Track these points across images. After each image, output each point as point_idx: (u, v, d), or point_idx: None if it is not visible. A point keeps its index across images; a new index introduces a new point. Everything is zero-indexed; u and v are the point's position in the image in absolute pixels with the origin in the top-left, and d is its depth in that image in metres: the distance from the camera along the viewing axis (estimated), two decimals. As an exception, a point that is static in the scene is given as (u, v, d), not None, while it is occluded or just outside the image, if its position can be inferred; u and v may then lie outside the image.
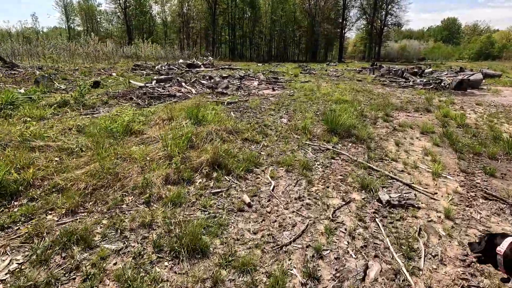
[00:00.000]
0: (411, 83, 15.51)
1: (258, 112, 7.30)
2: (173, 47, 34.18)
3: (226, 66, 20.51)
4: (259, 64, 35.07)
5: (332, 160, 4.48)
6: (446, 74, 24.34)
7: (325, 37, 61.03)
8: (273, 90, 11.00)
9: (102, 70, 17.70)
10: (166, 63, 20.51)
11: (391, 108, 8.71)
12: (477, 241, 2.00)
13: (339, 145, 5.22)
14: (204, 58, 38.29)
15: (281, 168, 4.14)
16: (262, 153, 4.62)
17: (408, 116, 8.09)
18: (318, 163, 4.39)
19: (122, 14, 58.20)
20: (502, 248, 1.67)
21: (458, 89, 13.58)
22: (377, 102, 9.55)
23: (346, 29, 64.23)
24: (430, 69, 26.13)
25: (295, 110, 7.89)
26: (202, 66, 19.14)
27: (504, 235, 1.79)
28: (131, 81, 9.66)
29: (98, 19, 67.91)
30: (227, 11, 53.83)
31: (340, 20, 57.27)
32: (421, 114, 8.44)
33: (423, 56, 66.39)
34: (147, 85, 9.44)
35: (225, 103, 7.96)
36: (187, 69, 17.19)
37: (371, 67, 25.86)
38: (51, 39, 31.63)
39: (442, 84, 14.42)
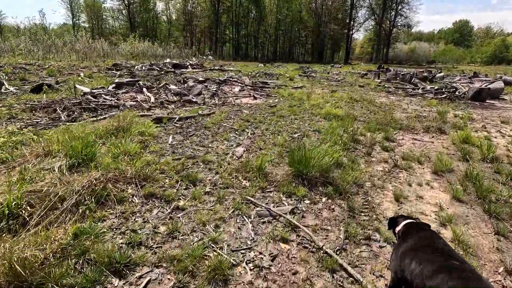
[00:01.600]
0: (420, 91, 13.43)
1: (212, 135, 5.42)
2: (169, 45, 32.39)
3: (217, 67, 18.67)
4: (260, 65, 33.17)
5: (281, 246, 2.56)
6: (460, 80, 22.09)
7: (331, 38, 58.65)
8: (254, 98, 9.14)
9: (82, 69, 16.09)
10: (149, 62, 18.76)
11: (394, 127, 6.77)
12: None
13: (305, 202, 3.33)
14: (204, 57, 36.58)
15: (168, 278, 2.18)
16: (159, 231, 2.65)
17: (416, 140, 6.14)
18: (249, 257, 2.44)
19: (126, 11, 56.87)
20: (398, 228, 2.15)
21: (475, 100, 11.48)
22: (377, 117, 7.60)
23: (353, 30, 61.77)
24: (441, 74, 23.86)
25: (266, 130, 6.01)
26: (189, 66, 17.32)
27: (403, 218, 2.25)
28: (77, 85, 7.91)
29: (104, 16, 66.84)
30: (231, 9, 51.96)
31: (348, 21, 54.79)
32: (432, 136, 6.47)
33: (433, 59, 63.50)
34: (93, 91, 7.68)
35: (176, 120, 6.10)
36: (171, 69, 15.40)
37: (377, 70, 23.72)
38: (51, 35, 30.09)
39: (457, 93, 12.31)
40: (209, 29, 52.97)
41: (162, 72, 13.41)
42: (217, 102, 8.32)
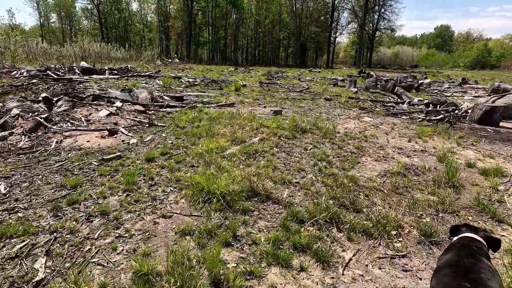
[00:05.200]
0: (405, 107, 9.53)
1: None
2: (114, 46, 27.82)
3: (148, 73, 14.37)
4: (231, 69, 29.04)
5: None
6: (449, 88, 18.50)
7: (314, 41, 55.01)
8: (110, 134, 4.92)
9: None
10: (56, 66, 14.30)
11: (353, 225, 2.75)
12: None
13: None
14: (169, 60, 32.22)
15: None
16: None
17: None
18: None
19: (96, 10, 51.81)
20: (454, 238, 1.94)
21: (484, 123, 7.63)
22: (315, 195, 3.56)
23: (337, 33, 58.33)
24: (428, 80, 20.25)
25: None
26: (106, 72, 13.02)
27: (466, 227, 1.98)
28: None
29: (75, 16, 61.43)
30: (207, 10, 47.62)
31: (329, 23, 51.22)
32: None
33: (416, 63, 60.95)
34: None
35: None
36: (77, 76, 11.06)
37: (353, 77, 19.89)
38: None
39: (457, 112, 8.43)
40: (184, 31, 48.42)
41: (28, 84, 9.00)
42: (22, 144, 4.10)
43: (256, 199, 3.09)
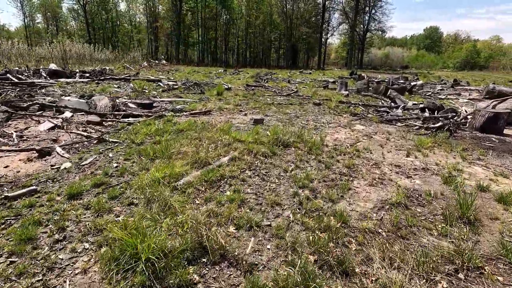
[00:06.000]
0: (400, 112, 8.74)
1: None
2: (97, 47, 26.57)
3: (124, 76, 13.32)
4: (220, 70, 28.08)
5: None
6: (442, 90, 17.92)
7: (305, 42, 54.37)
8: (40, 156, 3.93)
9: None
10: (17, 68, 13.12)
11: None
12: None
13: None
14: (156, 61, 31.05)
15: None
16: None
17: None
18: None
19: (82, 10, 50.14)
20: None
21: (487, 131, 6.88)
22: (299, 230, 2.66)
23: (328, 35, 57.87)
24: (420, 82, 19.61)
25: None
26: (77, 75, 11.92)
27: None
28: None
29: (61, 16, 59.50)
30: (196, 10, 46.49)
31: (320, 24, 50.65)
32: None
33: (406, 64, 60.90)
34: None
35: None
36: (42, 79, 9.95)
37: (344, 79, 19.19)
38: None
39: (456, 118, 7.67)
40: (173, 31, 47.16)
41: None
42: None
43: (205, 260, 2.16)
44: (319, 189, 3.57)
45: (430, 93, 15.37)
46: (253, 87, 14.19)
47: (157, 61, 30.26)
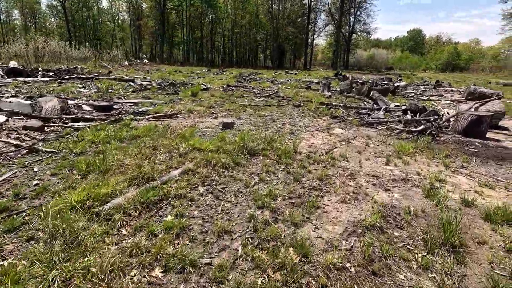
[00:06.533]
0: (382, 114, 8.34)
1: None
2: (73, 45, 25.35)
3: (93, 75, 12.45)
4: (204, 70, 27.33)
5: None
6: (424, 90, 17.83)
7: (292, 43, 54.13)
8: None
9: None
10: None
11: None
12: None
13: None
14: (138, 60, 29.96)
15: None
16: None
17: None
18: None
19: (61, 7, 48.14)
20: None
21: (470, 135, 6.55)
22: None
23: (315, 35, 57.86)
24: (403, 83, 19.54)
25: None
26: (39, 73, 11.01)
27: None
28: None
29: (40, 13, 57.02)
30: (181, 9, 45.42)
31: (306, 24, 50.50)
32: None
33: (390, 66, 61.81)
34: None
35: None
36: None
37: (329, 78, 18.86)
38: None
39: (438, 121, 7.32)
40: (157, 30, 45.90)
41: None
42: None
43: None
44: (282, 209, 3.02)
45: (413, 94, 15.20)
46: (233, 88, 13.60)
47: (138, 60, 29.18)
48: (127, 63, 27.22)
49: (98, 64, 21.33)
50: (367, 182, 3.96)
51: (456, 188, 3.89)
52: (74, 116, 5.31)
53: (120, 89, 9.78)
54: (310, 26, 51.65)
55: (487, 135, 6.70)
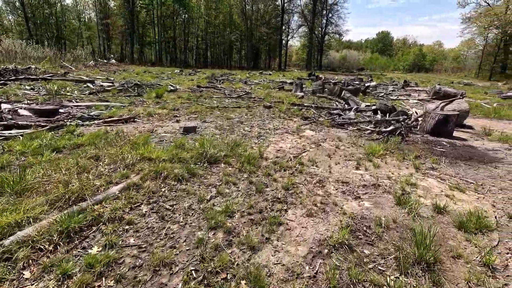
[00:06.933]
0: (353, 115, 8.20)
1: None
2: (53, 46, 23.50)
3: (46, 76, 11.39)
4: (176, 71, 26.32)
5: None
6: (393, 90, 18.27)
7: (266, 43, 54.13)
8: None
9: None
10: None
11: None
12: None
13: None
14: (105, 61, 28.32)
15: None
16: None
17: None
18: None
19: (20, 4, 44.58)
20: None
21: (437, 134, 6.53)
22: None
23: (289, 36, 58.27)
24: (374, 83, 19.94)
25: None
26: None
27: None
28: None
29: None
30: (151, 8, 43.77)
31: (280, 25, 50.72)
32: None
33: (362, 66, 63.71)
34: None
35: None
36: None
37: (303, 79, 18.81)
38: None
39: (407, 121, 7.27)
40: (126, 29, 43.87)
41: None
42: None
43: None
44: (239, 229, 2.59)
45: (382, 94, 15.45)
46: (203, 89, 13.04)
47: (105, 61, 27.60)
48: (92, 63, 25.61)
49: (59, 64, 19.77)
50: (337, 189, 3.65)
51: (427, 193, 3.68)
52: (6, 122, 4.55)
53: (75, 91, 8.89)
54: (284, 27, 51.97)
55: (453, 134, 6.72)
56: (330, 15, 52.13)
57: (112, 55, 31.84)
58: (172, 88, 11.58)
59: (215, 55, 57.36)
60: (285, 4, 49.35)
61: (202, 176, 3.59)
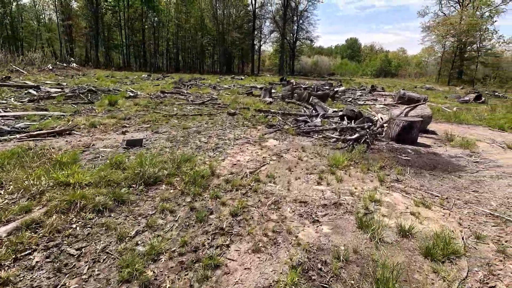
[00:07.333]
0: (319, 122, 7.91)
1: None
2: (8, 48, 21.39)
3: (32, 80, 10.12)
4: (143, 75, 25.03)
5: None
6: (361, 95, 18.55)
7: (239, 48, 53.85)
8: None
9: None
10: None
11: None
12: None
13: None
14: (65, 64, 26.33)
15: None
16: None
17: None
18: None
19: (-32, 2, 40.64)
20: None
21: (402, 141, 6.37)
22: None
23: (261, 42, 58.47)
24: (343, 88, 20.16)
25: None
26: None
27: None
28: None
29: None
30: (118, 10, 41.81)
31: (252, 31, 50.72)
32: None
33: (333, 72, 65.38)
34: None
35: None
36: None
37: (274, 84, 18.59)
38: None
39: (373, 127, 7.08)
40: (90, 31, 41.45)
41: None
42: None
43: None
44: (161, 279, 2.02)
45: (350, 99, 15.55)
46: (167, 94, 12.26)
47: (65, 64, 25.66)
48: (50, 67, 23.65)
49: (8, 68, 17.93)
50: (293, 211, 3.19)
51: (392, 211, 3.34)
52: None
53: (11, 98, 7.81)
54: (256, 33, 52.05)
55: (418, 140, 6.62)
56: (301, 21, 53.05)
57: (72, 59, 29.66)
58: (131, 94, 10.71)
59: (187, 59, 56.10)
60: (257, 10, 49.51)
61: (134, 203, 2.97)
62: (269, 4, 50.98)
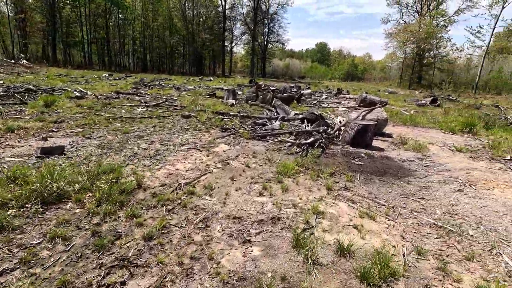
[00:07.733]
0: (278, 125, 7.60)
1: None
2: None
3: None
4: (104, 74, 23.43)
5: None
6: (327, 98, 18.75)
7: (209, 49, 52.88)
8: None
9: None
10: None
11: None
12: None
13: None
14: (13, 61, 23.91)
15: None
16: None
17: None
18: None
19: None
20: None
21: (357, 145, 6.24)
22: None
23: (233, 43, 57.96)
24: (309, 90, 20.30)
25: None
26: None
27: None
28: None
29: None
30: (78, 5, 39.11)
31: (222, 32, 50.07)
32: None
33: (303, 75, 66.61)
34: None
35: None
36: None
37: (243, 86, 18.19)
38: None
39: (330, 131, 6.91)
40: (46, 27, 38.30)
41: None
42: None
43: None
44: None
45: (316, 101, 15.58)
46: (122, 95, 11.38)
47: (13, 61, 23.32)
48: (-5, 64, 21.30)
49: None
50: (223, 230, 2.77)
51: (335, 224, 3.04)
52: None
53: None
54: (226, 34, 51.50)
55: (373, 144, 6.53)
56: (271, 24, 53.37)
57: (22, 55, 27.04)
58: (78, 94, 9.73)
59: (155, 59, 54.02)
60: (227, 11, 48.99)
61: (17, 229, 2.37)
62: (239, 6, 50.64)
